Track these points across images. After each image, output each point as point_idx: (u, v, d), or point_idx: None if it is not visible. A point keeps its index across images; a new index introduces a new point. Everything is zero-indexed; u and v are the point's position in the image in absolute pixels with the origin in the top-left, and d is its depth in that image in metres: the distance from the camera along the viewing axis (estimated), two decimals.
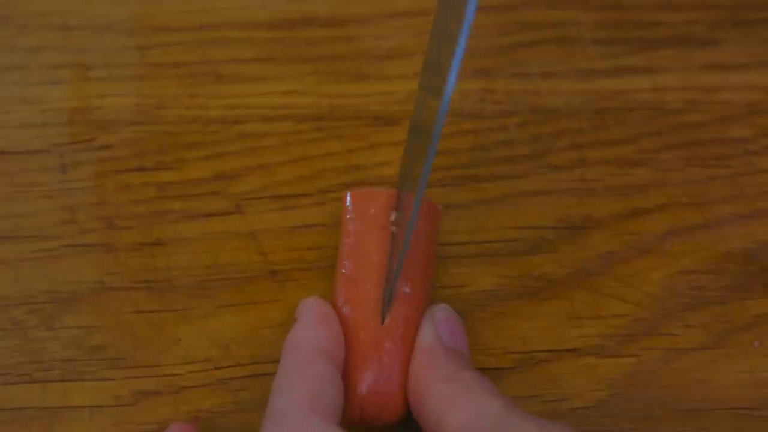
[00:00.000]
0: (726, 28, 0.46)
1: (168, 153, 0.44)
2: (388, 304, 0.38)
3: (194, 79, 0.45)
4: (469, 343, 0.39)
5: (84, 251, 0.42)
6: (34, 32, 0.46)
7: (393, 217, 0.39)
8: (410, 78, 0.45)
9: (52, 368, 0.41)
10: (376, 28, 0.46)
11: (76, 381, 0.40)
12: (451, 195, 0.43)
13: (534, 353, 0.41)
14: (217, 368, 0.41)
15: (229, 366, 0.41)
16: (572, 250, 0.42)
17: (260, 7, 0.46)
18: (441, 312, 0.40)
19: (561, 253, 0.42)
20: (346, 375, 0.38)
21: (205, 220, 0.43)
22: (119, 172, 0.44)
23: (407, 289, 0.39)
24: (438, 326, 0.39)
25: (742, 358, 0.41)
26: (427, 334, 0.39)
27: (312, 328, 0.38)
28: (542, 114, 0.45)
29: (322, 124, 0.44)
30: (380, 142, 0.44)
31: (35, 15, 0.46)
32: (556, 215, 0.43)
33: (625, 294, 0.42)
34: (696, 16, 0.46)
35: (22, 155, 0.44)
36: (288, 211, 0.43)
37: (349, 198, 0.40)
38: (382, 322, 0.38)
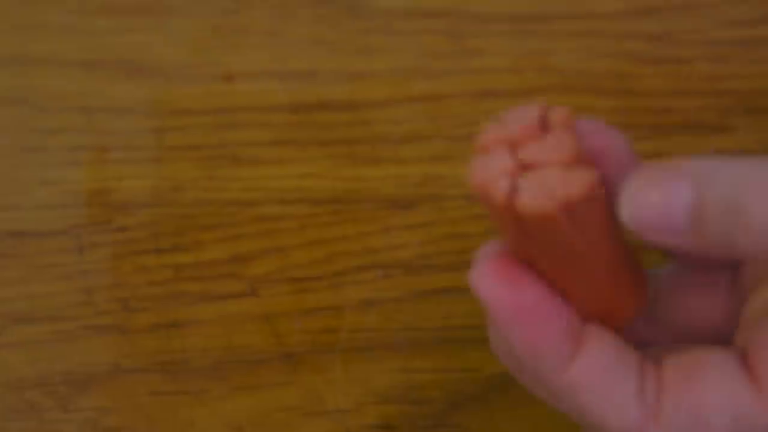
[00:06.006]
0: (737, 114, 0.46)
1: (184, 235, 0.44)
2: None
3: (212, 161, 0.45)
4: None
5: (100, 333, 0.43)
6: (54, 114, 0.46)
7: None
8: (426, 161, 0.45)
9: None
10: (392, 112, 0.46)
11: None
12: None
13: None
14: None
15: None
16: None
17: (279, 92, 0.46)
18: None
19: None
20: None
21: (220, 302, 0.43)
22: (136, 253, 0.44)
23: None
24: None
25: None
26: None
27: None
28: None
29: (338, 207, 0.45)
30: (395, 225, 0.44)
31: (55, 97, 0.46)
32: None
33: None
34: (707, 103, 0.47)
35: (40, 236, 0.44)
36: (302, 294, 0.43)
37: None
38: None
